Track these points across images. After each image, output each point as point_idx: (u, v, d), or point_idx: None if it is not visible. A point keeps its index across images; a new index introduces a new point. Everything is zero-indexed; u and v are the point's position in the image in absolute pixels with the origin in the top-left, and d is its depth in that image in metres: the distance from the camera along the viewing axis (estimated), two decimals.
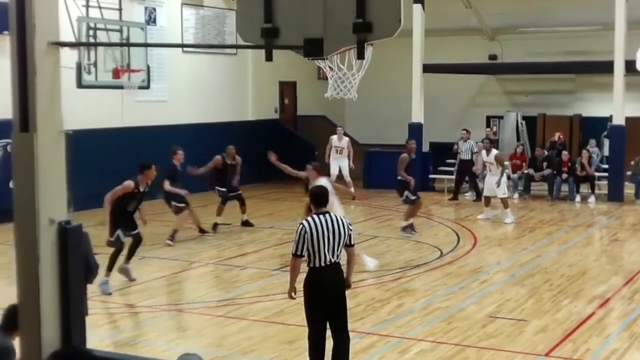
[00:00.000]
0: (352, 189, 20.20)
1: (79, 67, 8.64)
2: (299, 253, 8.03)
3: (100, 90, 12.62)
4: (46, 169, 6.55)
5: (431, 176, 23.09)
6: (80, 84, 8.96)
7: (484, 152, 18.62)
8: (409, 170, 16.39)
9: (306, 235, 7.96)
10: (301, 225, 8.02)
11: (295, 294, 8.26)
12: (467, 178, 21.64)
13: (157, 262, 13.87)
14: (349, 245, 8.18)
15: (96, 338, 8.99)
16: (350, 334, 9.71)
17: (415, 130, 22.66)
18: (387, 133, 25.89)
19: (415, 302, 11.49)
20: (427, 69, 22.72)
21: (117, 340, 9.57)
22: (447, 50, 24.78)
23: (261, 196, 21.05)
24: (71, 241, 6.63)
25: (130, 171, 17.30)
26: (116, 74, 9.52)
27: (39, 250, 6.51)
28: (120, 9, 15.46)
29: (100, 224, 11.97)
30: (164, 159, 16.73)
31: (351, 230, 8.17)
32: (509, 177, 21.46)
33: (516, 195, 21.44)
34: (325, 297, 8.07)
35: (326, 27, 6.18)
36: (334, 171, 21.21)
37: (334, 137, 21.62)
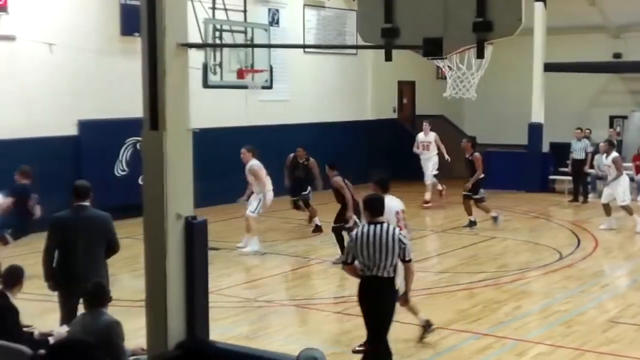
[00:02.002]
0: (440, 186, 19.93)
1: (205, 67, 8.89)
2: (347, 261, 7.86)
3: (225, 90, 12.91)
4: (174, 165, 6.79)
5: (551, 177, 22.70)
6: (206, 84, 9.21)
7: (603, 155, 17.81)
8: (466, 168, 16.94)
9: (352, 244, 7.77)
10: (353, 232, 7.91)
11: None
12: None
13: (276, 258, 14.14)
14: (404, 261, 7.80)
15: (217, 331, 9.24)
16: (467, 335, 9.74)
17: (535, 131, 22.32)
18: (507, 133, 25.55)
19: (534, 304, 11.36)
20: (548, 67, 22.33)
21: (237, 334, 9.80)
22: (568, 49, 24.24)
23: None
24: (197, 235, 6.85)
25: None
26: (240, 74, 9.73)
27: (167, 244, 6.76)
28: (245, 11, 15.78)
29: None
30: (285, 157, 17.06)
31: (404, 244, 7.74)
32: (632, 179, 20.87)
33: None
34: (365, 309, 7.90)
35: (446, 27, 6.18)
36: (426, 171, 20.06)
37: (420, 134, 20.32)
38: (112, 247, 8.43)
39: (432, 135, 20.14)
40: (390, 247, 7.64)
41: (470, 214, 16.89)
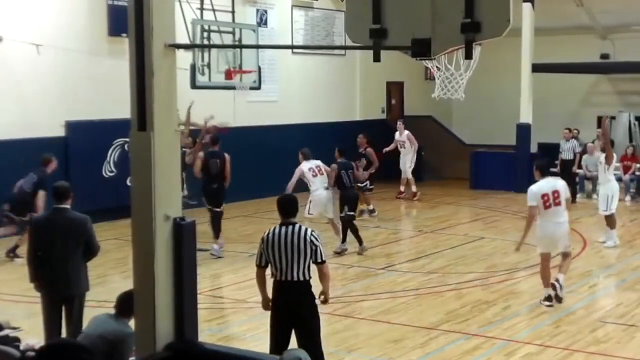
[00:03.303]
0: (414, 187, 20.74)
1: (193, 68, 8.88)
2: (258, 263, 7.62)
3: (213, 90, 12.88)
4: (162, 166, 6.75)
5: None
6: (194, 85, 9.20)
7: (596, 153, 17.66)
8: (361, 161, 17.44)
9: (263, 245, 7.51)
10: (264, 234, 7.60)
11: (269, 305, 7.74)
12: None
13: None
14: (317, 263, 7.53)
15: (206, 332, 9.23)
16: (456, 335, 9.75)
17: (524, 131, 22.37)
18: (495, 133, 25.61)
19: (522, 304, 11.38)
20: (537, 68, 22.40)
21: (227, 335, 9.80)
22: (556, 49, 24.32)
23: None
24: (185, 237, 6.82)
25: (243, 168, 17.63)
26: (228, 75, 9.74)
27: (155, 245, 6.72)
28: (233, 12, 15.78)
29: None
30: (273, 158, 17.06)
31: (315, 245, 7.47)
32: (619, 179, 20.93)
33: (628, 198, 20.92)
34: (281, 319, 7.57)
35: (434, 28, 6.17)
36: (403, 167, 21.15)
37: (396, 133, 21.26)
38: (90, 250, 8.33)
39: (405, 134, 20.99)
40: (302, 248, 7.41)
41: (368, 204, 18.09)
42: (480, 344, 9.58)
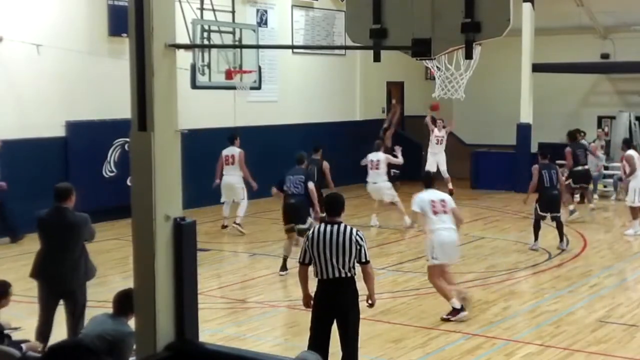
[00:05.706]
0: (451, 185, 20.49)
1: (193, 68, 8.90)
2: (301, 261, 7.68)
3: (213, 90, 12.86)
4: (162, 166, 6.75)
5: None
6: (194, 85, 9.22)
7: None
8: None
9: (307, 243, 7.57)
10: (309, 232, 7.71)
11: (311, 302, 7.84)
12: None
13: (267, 259, 14.11)
14: (361, 262, 7.58)
15: (207, 332, 9.23)
16: (456, 335, 9.75)
17: (524, 131, 22.37)
18: (495, 133, 25.60)
19: (522, 304, 11.37)
20: (537, 68, 22.40)
21: (227, 335, 9.80)
22: (557, 49, 24.32)
23: (368, 196, 21.11)
24: (186, 237, 6.82)
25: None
26: (229, 75, 9.75)
27: (155, 245, 6.73)
28: (233, 12, 15.78)
29: None
30: (273, 158, 17.05)
31: (360, 245, 7.53)
32: (620, 179, 20.93)
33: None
34: (323, 314, 7.63)
35: (434, 28, 6.18)
36: (430, 167, 20.69)
37: (435, 128, 21.50)
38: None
39: (445, 131, 21.49)
40: (347, 248, 7.46)
41: None
42: (480, 344, 9.59)
